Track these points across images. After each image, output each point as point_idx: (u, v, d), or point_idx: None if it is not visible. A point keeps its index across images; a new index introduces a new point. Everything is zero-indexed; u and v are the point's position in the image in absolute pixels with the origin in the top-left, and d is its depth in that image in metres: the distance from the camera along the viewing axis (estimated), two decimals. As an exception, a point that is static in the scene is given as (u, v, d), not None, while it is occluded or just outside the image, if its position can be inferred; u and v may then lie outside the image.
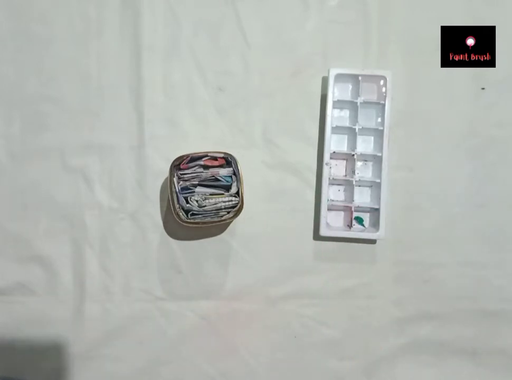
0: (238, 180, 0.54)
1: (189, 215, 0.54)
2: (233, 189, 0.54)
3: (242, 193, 0.54)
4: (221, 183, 0.55)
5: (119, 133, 0.61)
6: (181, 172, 0.55)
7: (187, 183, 0.55)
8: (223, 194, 0.55)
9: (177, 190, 0.54)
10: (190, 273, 0.60)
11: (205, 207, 0.54)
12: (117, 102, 0.61)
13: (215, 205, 0.54)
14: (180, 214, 0.54)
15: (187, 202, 0.54)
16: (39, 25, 0.62)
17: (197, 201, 0.54)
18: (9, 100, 0.61)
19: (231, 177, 0.55)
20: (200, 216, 0.54)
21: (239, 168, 0.54)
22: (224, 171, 0.55)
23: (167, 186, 0.55)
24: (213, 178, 0.55)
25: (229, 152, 0.55)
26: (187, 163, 0.55)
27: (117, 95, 0.61)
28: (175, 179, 0.54)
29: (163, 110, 0.61)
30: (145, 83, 0.61)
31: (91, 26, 0.62)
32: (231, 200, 0.54)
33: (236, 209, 0.54)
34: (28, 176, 0.61)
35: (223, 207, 0.54)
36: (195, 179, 0.55)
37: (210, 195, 0.55)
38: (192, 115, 0.61)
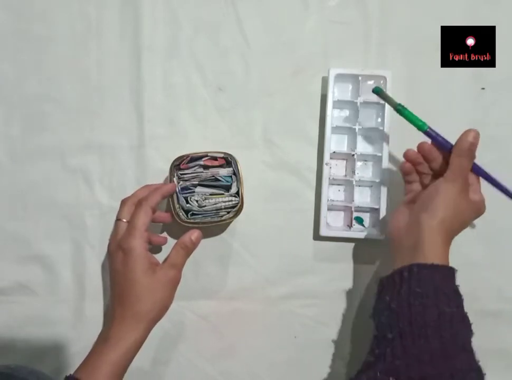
0: (238, 180, 0.54)
1: (189, 215, 0.54)
2: (233, 189, 0.54)
3: (241, 194, 0.54)
4: (221, 183, 0.55)
5: (119, 133, 0.61)
6: (181, 172, 0.55)
7: (187, 183, 0.55)
8: (223, 194, 0.55)
9: (177, 190, 0.54)
10: (190, 273, 0.60)
11: (205, 207, 0.54)
12: (117, 102, 0.61)
13: (215, 205, 0.54)
14: (180, 214, 0.54)
15: (187, 202, 0.54)
16: (39, 25, 0.62)
17: (197, 201, 0.54)
18: (9, 100, 0.61)
19: (231, 177, 0.55)
20: (200, 216, 0.54)
21: (239, 168, 0.54)
22: (224, 171, 0.55)
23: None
24: (213, 178, 0.55)
25: (229, 152, 0.55)
26: (187, 163, 0.55)
27: (117, 95, 0.61)
28: (175, 179, 0.54)
29: (163, 110, 0.61)
30: (145, 83, 0.61)
31: (91, 26, 0.62)
32: (231, 200, 0.54)
33: (236, 209, 0.54)
34: (28, 176, 0.61)
35: (222, 207, 0.54)
36: (195, 179, 0.55)
37: (210, 195, 0.55)
38: (192, 115, 0.61)
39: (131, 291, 0.48)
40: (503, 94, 0.61)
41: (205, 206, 0.54)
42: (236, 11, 0.62)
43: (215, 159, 0.55)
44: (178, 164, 0.55)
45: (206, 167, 0.56)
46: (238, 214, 0.54)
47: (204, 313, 0.60)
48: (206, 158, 0.55)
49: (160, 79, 0.61)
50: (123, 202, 0.53)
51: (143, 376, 0.59)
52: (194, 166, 0.55)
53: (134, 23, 0.61)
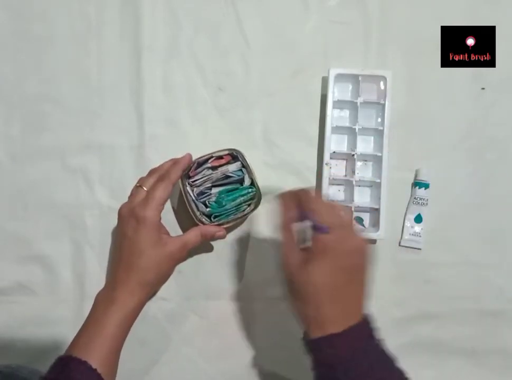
0: (249, 172, 0.54)
1: (212, 218, 0.54)
2: (246, 181, 0.55)
3: (256, 183, 0.54)
4: (234, 178, 0.55)
5: (119, 133, 0.61)
6: (191, 180, 0.55)
7: (201, 188, 0.54)
8: (238, 189, 0.55)
9: (193, 198, 0.54)
10: (190, 273, 0.60)
11: (225, 206, 0.54)
12: (117, 102, 0.61)
13: (234, 201, 0.54)
14: (203, 219, 0.54)
15: (206, 206, 0.54)
16: (39, 25, 0.62)
17: (215, 202, 0.54)
18: (9, 100, 0.61)
19: (241, 170, 0.55)
20: (223, 215, 0.54)
21: (246, 160, 0.54)
22: (233, 167, 0.55)
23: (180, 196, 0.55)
24: (224, 176, 0.55)
25: (232, 148, 0.55)
26: (195, 170, 0.55)
27: (117, 95, 0.61)
28: (188, 188, 0.54)
29: (163, 110, 0.61)
30: (145, 83, 0.61)
31: (91, 26, 0.62)
32: (248, 193, 0.54)
33: (256, 200, 0.54)
34: (28, 176, 0.61)
35: (242, 201, 0.54)
36: (206, 182, 0.55)
37: (228, 192, 0.55)
38: (192, 115, 0.61)
39: (139, 259, 0.49)
40: (503, 94, 0.61)
41: (225, 205, 0.54)
42: (236, 11, 0.62)
43: (221, 157, 0.55)
44: (186, 173, 0.55)
45: (214, 168, 0.55)
46: (259, 204, 0.54)
47: (204, 313, 0.60)
48: (212, 158, 0.55)
49: (160, 79, 0.61)
50: (151, 172, 0.54)
51: (144, 376, 0.59)
52: (202, 170, 0.55)
53: (134, 23, 0.61)
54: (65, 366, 0.45)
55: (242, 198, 0.54)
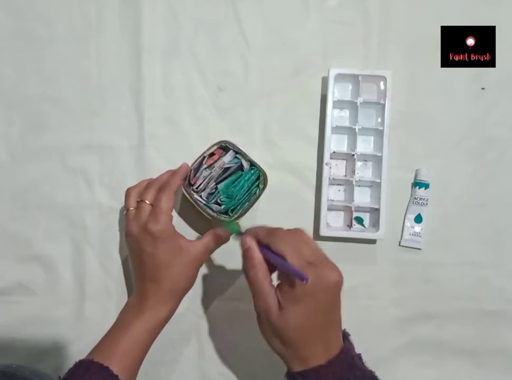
0: (244, 155, 0.54)
1: (230, 213, 0.54)
2: (246, 165, 0.54)
3: (255, 163, 0.54)
4: (233, 168, 0.55)
5: (119, 133, 0.61)
6: (195, 187, 0.54)
7: (207, 190, 0.54)
8: (241, 175, 0.55)
9: (205, 203, 0.54)
10: (190, 273, 0.60)
11: (237, 197, 0.54)
12: (117, 102, 0.61)
13: (242, 189, 0.54)
14: (223, 218, 0.53)
15: (220, 205, 0.54)
16: (39, 25, 0.62)
17: (226, 197, 0.54)
18: (9, 100, 0.61)
19: (236, 157, 0.55)
20: (238, 206, 0.54)
21: (237, 145, 0.54)
22: (228, 157, 0.55)
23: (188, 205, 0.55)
24: (223, 169, 0.55)
25: (220, 140, 0.55)
26: (194, 176, 0.55)
27: (118, 95, 0.61)
28: (196, 195, 0.54)
29: (163, 110, 0.61)
30: (145, 83, 0.61)
31: (91, 26, 0.62)
32: (252, 175, 0.54)
33: (262, 178, 0.54)
34: (28, 176, 0.61)
35: (249, 185, 0.54)
36: (210, 182, 0.55)
37: (233, 183, 0.55)
38: (192, 115, 0.61)
39: (167, 271, 0.50)
40: (503, 94, 0.61)
41: (236, 195, 0.54)
42: (236, 11, 0.62)
43: (213, 154, 0.55)
44: (188, 183, 0.55)
45: (211, 166, 0.55)
46: (267, 182, 0.54)
47: (204, 313, 0.60)
48: (205, 159, 0.55)
49: (160, 79, 0.61)
50: (149, 185, 0.53)
51: (144, 376, 0.58)
52: (201, 173, 0.55)
53: (134, 23, 0.61)
54: (86, 370, 0.44)
55: (248, 182, 0.54)
